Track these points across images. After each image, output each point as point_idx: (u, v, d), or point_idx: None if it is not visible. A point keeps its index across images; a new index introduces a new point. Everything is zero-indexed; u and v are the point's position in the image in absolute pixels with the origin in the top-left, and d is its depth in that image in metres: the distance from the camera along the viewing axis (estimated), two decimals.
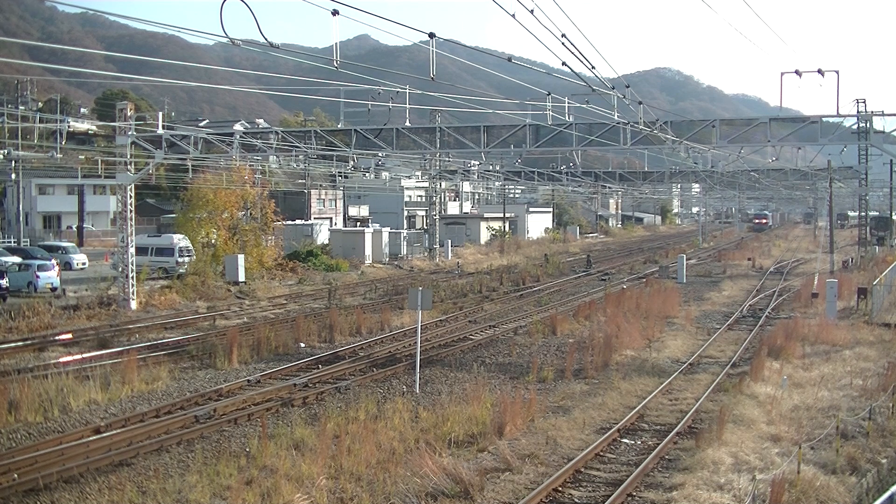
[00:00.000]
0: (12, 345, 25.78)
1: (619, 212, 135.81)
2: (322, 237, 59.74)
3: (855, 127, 34.01)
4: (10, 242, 53.55)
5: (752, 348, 27.35)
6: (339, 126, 40.10)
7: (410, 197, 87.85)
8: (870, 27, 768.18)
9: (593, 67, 18.04)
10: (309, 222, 63.61)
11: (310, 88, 30.31)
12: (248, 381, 21.99)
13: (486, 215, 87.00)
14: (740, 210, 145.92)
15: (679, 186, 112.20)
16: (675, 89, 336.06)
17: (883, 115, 32.92)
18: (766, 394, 19.98)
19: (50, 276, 37.20)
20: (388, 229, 62.88)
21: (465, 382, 22.01)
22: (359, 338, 29.14)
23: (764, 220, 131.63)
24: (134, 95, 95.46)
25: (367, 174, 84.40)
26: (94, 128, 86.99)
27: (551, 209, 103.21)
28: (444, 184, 72.03)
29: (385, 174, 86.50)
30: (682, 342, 28.87)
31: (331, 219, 73.91)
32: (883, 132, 33.06)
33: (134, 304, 34.44)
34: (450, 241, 66.31)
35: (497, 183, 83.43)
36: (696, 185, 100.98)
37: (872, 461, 15.73)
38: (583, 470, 15.27)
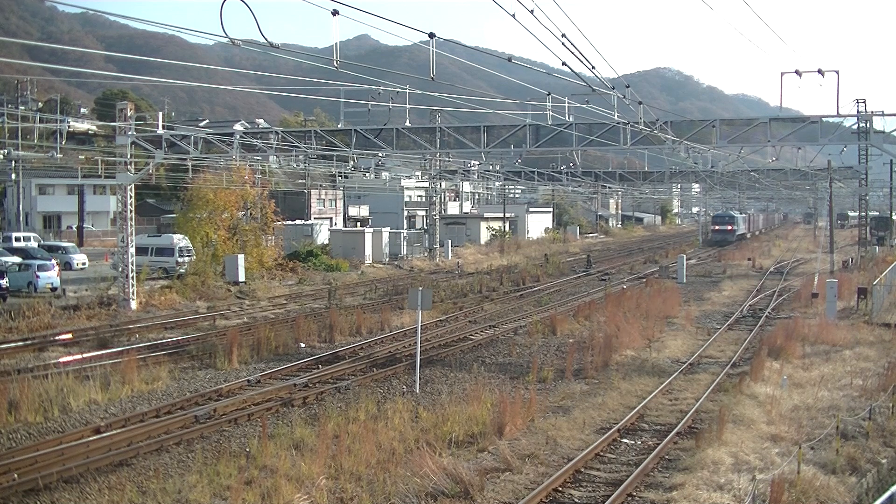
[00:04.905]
0: (12, 345, 25.78)
1: (619, 212, 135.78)
2: (322, 237, 59.73)
3: (855, 127, 34.02)
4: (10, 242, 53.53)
5: (752, 348, 27.34)
6: (339, 126, 40.03)
7: (410, 197, 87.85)
8: (870, 27, 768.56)
9: (593, 67, 18.06)
10: (309, 222, 63.60)
11: (310, 88, 30.29)
12: (248, 381, 21.99)
13: (486, 215, 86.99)
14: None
15: (679, 186, 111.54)
16: (675, 89, 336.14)
17: (883, 115, 32.94)
18: (766, 394, 19.98)
19: (50, 276, 37.19)
20: (388, 229, 62.89)
21: (465, 382, 22.02)
22: (359, 338, 29.13)
23: (729, 227, 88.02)
24: (134, 95, 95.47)
25: (367, 174, 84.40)
26: (94, 128, 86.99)
27: (551, 209, 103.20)
28: (444, 184, 72.03)
29: (385, 174, 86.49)
30: (682, 342, 28.87)
31: (331, 219, 73.90)
32: (883, 132, 33.06)
33: (134, 304, 34.44)
34: (450, 241, 66.32)
35: (497, 183, 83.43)
36: (696, 185, 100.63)
37: (872, 461, 15.73)
38: (583, 470, 15.27)
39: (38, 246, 48.95)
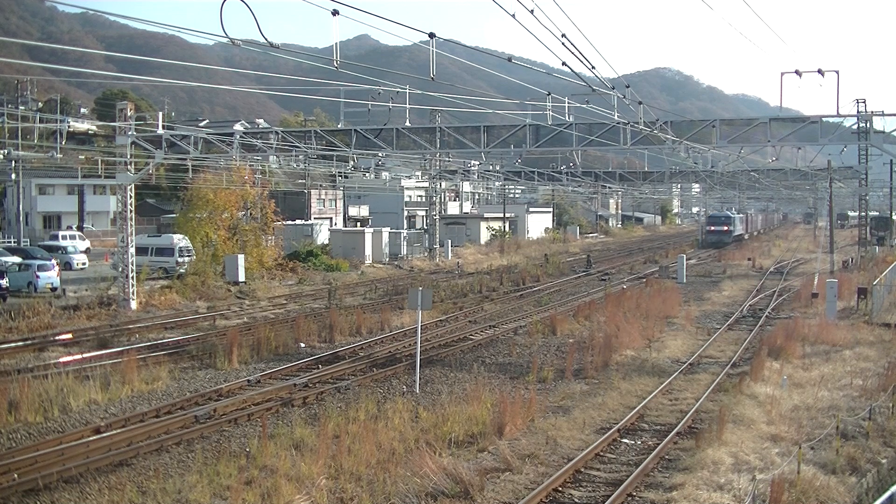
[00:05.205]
0: (12, 345, 25.78)
1: (619, 212, 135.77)
2: (322, 237, 59.75)
3: (855, 127, 34.02)
4: (10, 242, 53.58)
5: (752, 348, 27.34)
6: (339, 126, 40.05)
7: (410, 197, 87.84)
8: (870, 27, 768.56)
9: (593, 67, 18.06)
10: (309, 222, 63.61)
11: (310, 88, 30.29)
12: (248, 381, 21.98)
13: (486, 215, 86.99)
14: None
15: (679, 186, 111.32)
16: (675, 89, 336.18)
17: (883, 115, 32.94)
18: (766, 394, 19.98)
19: (50, 276, 37.20)
20: (388, 229, 62.85)
21: (465, 382, 22.02)
22: (359, 338, 29.13)
23: (725, 228, 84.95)
24: (134, 95, 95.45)
25: (367, 174, 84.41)
26: (94, 128, 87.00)
27: (551, 209, 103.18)
28: (444, 184, 72.03)
29: (385, 174, 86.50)
30: (682, 342, 28.87)
31: (331, 219, 73.91)
32: (883, 132, 33.06)
33: (134, 304, 34.44)
34: (450, 241, 66.31)
35: (497, 183, 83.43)
36: (696, 185, 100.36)
37: (872, 461, 15.73)
38: (583, 470, 15.27)
39: (38, 245, 49.11)
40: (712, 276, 53.58)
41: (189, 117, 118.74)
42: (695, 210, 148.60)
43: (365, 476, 14.37)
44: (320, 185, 76.02)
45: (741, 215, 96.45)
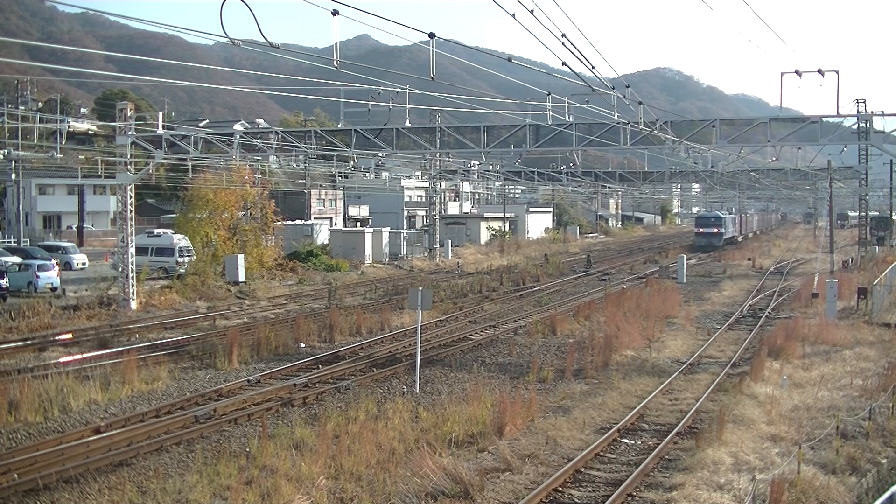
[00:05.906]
0: (12, 345, 25.78)
1: (619, 212, 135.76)
2: (322, 237, 59.74)
3: (855, 127, 34.03)
4: (10, 242, 53.57)
5: (752, 348, 27.35)
6: (339, 126, 40.07)
7: (410, 197, 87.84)
8: (870, 27, 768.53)
9: (593, 67, 18.07)
10: (309, 222, 63.59)
11: (310, 88, 30.31)
12: (248, 381, 21.99)
13: (486, 215, 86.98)
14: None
15: (679, 186, 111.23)
16: (675, 89, 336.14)
17: (883, 115, 32.95)
18: (766, 394, 19.98)
19: (50, 276, 37.20)
20: (388, 229, 62.84)
21: (465, 382, 22.02)
22: (359, 338, 29.13)
23: (715, 230, 79.65)
24: (134, 95, 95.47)
25: (367, 174, 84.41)
26: (94, 128, 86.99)
27: (551, 209, 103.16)
28: (444, 184, 72.04)
29: (385, 174, 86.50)
30: (682, 342, 28.87)
31: (331, 219, 73.89)
32: (883, 132, 33.07)
33: (134, 304, 34.44)
34: (450, 241, 66.30)
35: (497, 183, 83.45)
36: (696, 185, 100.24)
37: (872, 461, 15.73)
38: (583, 470, 15.27)
39: (39, 245, 49.11)
40: (712, 276, 53.59)
41: (189, 117, 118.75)
42: (695, 210, 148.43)
43: (365, 476, 14.37)
44: (320, 185, 76.02)
45: (733, 216, 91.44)
